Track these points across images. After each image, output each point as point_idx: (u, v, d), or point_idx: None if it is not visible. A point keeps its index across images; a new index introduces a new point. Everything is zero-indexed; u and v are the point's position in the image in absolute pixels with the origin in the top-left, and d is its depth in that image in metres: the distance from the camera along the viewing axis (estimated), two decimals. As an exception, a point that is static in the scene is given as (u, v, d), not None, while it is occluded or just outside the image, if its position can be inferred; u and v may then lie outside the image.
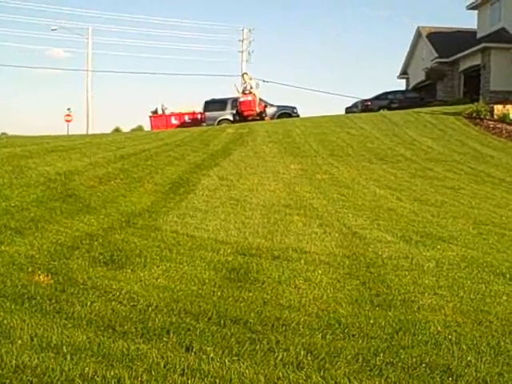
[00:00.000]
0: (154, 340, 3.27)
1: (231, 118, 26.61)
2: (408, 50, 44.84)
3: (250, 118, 24.95)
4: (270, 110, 28.95)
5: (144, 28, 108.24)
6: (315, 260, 5.49)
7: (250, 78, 26.82)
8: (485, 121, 22.47)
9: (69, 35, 71.23)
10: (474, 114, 23.19)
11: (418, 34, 42.57)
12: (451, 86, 37.46)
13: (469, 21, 66.47)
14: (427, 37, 40.54)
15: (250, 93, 25.42)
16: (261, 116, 25.50)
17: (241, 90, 25.93)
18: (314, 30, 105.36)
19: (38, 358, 2.86)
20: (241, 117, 25.24)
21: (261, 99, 27.11)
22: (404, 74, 45.94)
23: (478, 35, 35.61)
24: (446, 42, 37.83)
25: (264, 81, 36.71)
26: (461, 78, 37.14)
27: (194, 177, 9.97)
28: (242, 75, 27.58)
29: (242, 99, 25.59)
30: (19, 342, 3.04)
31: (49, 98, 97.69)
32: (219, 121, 26.54)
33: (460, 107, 25.54)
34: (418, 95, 36.36)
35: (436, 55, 37.84)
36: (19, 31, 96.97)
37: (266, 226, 6.92)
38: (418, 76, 40.93)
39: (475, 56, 34.03)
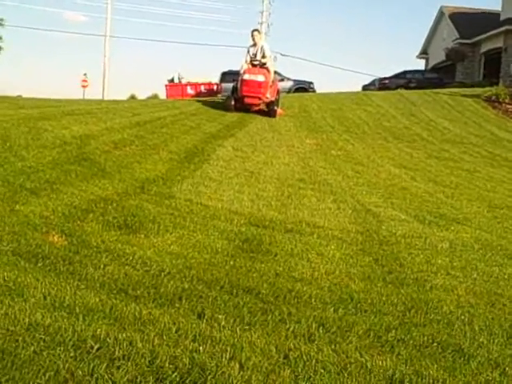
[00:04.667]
0: (166, 305, 3.27)
1: None
2: (429, 29, 44.30)
3: (254, 107, 15.58)
4: (286, 84, 28.76)
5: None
6: (328, 235, 5.47)
7: (264, 39, 18.44)
8: (504, 104, 22.22)
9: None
10: (493, 98, 22.92)
11: (441, 14, 42.04)
12: (471, 68, 37.06)
13: (493, 2, 65.54)
14: (450, 16, 40.03)
15: (263, 66, 15.46)
16: (270, 108, 15.47)
17: (248, 59, 15.68)
18: (334, 6, 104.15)
19: (51, 317, 2.86)
20: (240, 102, 15.57)
21: (276, 72, 19.07)
22: (424, 53, 45.47)
23: (502, 17, 35.09)
24: (468, 22, 37.32)
25: (282, 54, 36.18)
26: (481, 60, 36.72)
27: (209, 147, 9.93)
28: (252, 33, 16.11)
29: (245, 76, 15.25)
30: (32, 300, 3.04)
31: (65, 62, 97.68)
32: None
33: (479, 90, 25.27)
34: (437, 76, 36.02)
35: (457, 36, 37.36)
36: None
37: (279, 199, 6.90)
38: (438, 56, 40.49)
39: (497, 38, 33.59)
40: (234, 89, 16.01)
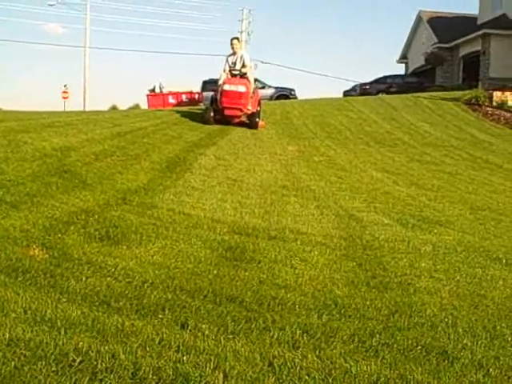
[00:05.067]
0: (149, 316, 3.24)
1: None
2: (408, 34, 44.66)
3: (235, 119, 14.75)
4: (268, 92, 28.92)
5: (143, 5, 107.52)
6: (312, 241, 5.47)
7: (244, 48, 17.65)
8: (483, 107, 22.45)
9: (66, 10, 70.62)
10: (473, 100, 23.17)
11: (419, 19, 42.41)
12: (450, 72, 37.39)
13: (470, 6, 66.34)
14: (428, 21, 40.38)
15: (244, 76, 14.55)
16: (252, 120, 14.68)
17: (227, 68, 14.75)
18: (313, 13, 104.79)
19: (32, 332, 2.83)
20: (220, 114, 14.64)
21: (257, 80, 19.25)
22: (403, 58, 45.83)
23: (479, 21, 35.49)
24: (446, 27, 37.69)
25: (262, 62, 36.29)
26: (460, 64, 37.07)
27: (190, 156, 9.90)
28: (231, 41, 15.07)
29: (225, 87, 14.33)
30: (13, 315, 3.01)
31: (45, 74, 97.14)
32: None
33: (459, 93, 25.52)
34: (417, 80, 36.33)
35: (436, 40, 37.68)
36: (16, 5, 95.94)
37: (262, 206, 6.89)
38: (418, 61, 40.83)
39: (475, 42, 33.93)
40: (214, 100, 14.98)
